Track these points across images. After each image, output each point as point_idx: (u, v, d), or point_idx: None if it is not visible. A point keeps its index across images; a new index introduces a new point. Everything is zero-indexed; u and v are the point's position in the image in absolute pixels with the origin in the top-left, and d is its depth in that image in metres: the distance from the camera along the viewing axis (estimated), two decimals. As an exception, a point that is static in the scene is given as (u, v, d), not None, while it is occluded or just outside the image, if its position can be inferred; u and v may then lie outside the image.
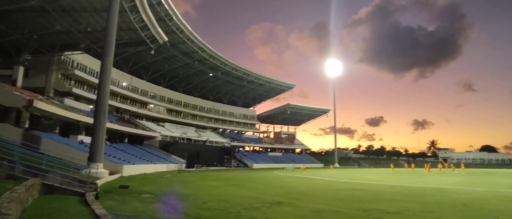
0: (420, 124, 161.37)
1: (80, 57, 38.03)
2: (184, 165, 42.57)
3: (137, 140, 45.21)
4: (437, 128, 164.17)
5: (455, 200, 11.24)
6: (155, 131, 49.78)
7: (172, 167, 39.34)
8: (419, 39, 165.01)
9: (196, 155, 45.99)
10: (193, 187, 17.15)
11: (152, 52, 36.30)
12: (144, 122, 52.07)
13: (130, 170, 27.40)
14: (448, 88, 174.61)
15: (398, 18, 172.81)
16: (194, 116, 66.44)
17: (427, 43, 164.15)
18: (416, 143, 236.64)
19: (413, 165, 54.86)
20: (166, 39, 34.81)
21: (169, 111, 60.51)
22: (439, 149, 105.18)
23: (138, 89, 52.06)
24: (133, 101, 51.02)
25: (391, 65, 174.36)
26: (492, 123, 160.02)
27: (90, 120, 25.43)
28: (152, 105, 55.96)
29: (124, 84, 48.65)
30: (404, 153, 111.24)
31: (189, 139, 57.55)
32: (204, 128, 68.45)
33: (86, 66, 39.59)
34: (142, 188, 15.28)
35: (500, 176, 30.42)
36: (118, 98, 47.19)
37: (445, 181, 21.84)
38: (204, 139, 61.33)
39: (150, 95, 55.45)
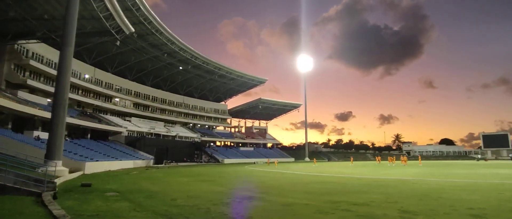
0: (386, 119, 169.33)
1: (37, 47, 35.41)
2: (152, 161, 41.32)
3: (101, 135, 43.12)
4: (401, 123, 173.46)
5: (416, 191, 11.84)
6: (120, 126, 47.77)
7: (139, 163, 38.05)
8: (385, 38, 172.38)
9: (165, 150, 44.78)
10: (161, 183, 16.63)
11: (118, 43, 34.63)
12: (108, 117, 49.75)
13: (93, 167, 26.11)
14: (411, 85, 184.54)
15: (365, 17, 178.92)
16: (163, 111, 64.60)
17: (392, 42, 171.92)
18: (382, 137, 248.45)
19: (379, 158, 57.32)
20: (133, 30, 33.35)
21: (136, 105, 58.33)
22: (403, 142, 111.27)
23: (102, 81, 49.55)
24: (97, 95, 48.50)
25: (359, 62, 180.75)
26: (450, 118, 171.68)
27: (48, 115, 23.73)
28: (117, 99, 53.59)
29: (87, 76, 46.06)
30: (371, 146, 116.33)
31: (157, 134, 55.96)
32: (174, 122, 66.87)
33: (43, 57, 36.95)
34: (106, 186, 14.57)
35: (456, 167, 32.70)
36: (80, 91, 44.63)
37: (407, 173, 23.04)
38: (174, 134, 59.95)
39: (116, 88, 53.03)
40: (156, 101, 63.12)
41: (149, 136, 53.30)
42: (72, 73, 41.65)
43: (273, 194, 11.61)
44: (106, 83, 50.43)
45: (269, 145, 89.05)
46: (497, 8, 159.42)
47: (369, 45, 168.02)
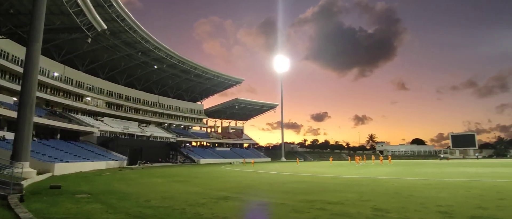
0: (360, 119, 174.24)
1: (2, 43, 33.36)
2: (125, 162, 40.10)
3: (71, 136, 41.31)
4: (375, 123, 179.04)
5: (388, 189, 12.30)
6: (92, 126, 46.01)
7: (112, 164, 36.81)
8: (360, 40, 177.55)
9: (139, 151, 43.60)
10: (135, 184, 16.19)
11: (89, 40, 33.29)
12: (79, 117, 47.78)
13: (63, 168, 24.98)
14: (384, 86, 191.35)
15: (341, 19, 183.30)
16: (137, 110, 62.88)
17: (366, 44, 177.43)
18: (356, 137, 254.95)
19: (357, 157, 58.70)
20: (105, 27, 32.22)
21: (109, 104, 56.39)
22: (377, 142, 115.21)
23: (72, 80, 47.50)
24: (67, 93, 46.43)
25: (334, 64, 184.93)
26: (421, 118, 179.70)
27: (14, 114, 22.42)
28: (89, 98, 51.56)
29: (56, 74, 43.96)
30: (346, 146, 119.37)
31: (131, 135, 54.38)
32: (148, 122, 65.29)
33: (8, 53, 34.88)
34: (76, 188, 13.98)
35: (426, 166, 34.28)
36: (49, 90, 42.53)
37: (380, 172, 23.86)
38: (148, 134, 58.52)
39: (87, 87, 51.00)
40: (130, 100, 61.35)
41: (123, 136, 51.68)
42: (40, 70, 39.58)
43: (249, 194, 11.64)
44: (76, 81, 48.37)
45: (245, 145, 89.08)
46: (465, 15, 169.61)
47: (344, 47, 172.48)
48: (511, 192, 10.68)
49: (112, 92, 56.97)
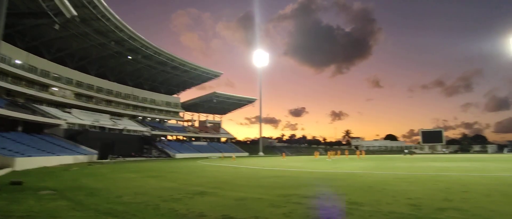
0: (337, 115, 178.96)
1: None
2: (96, 156, 38.53)
3: (35, 128, 39.03)
4: (351, 119, 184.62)
5: (362, 183, 12.62)
6: (59, 118, 43.79)
7: (81, 158, 35.27)
8: (337, 38, 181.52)
9: (111, 145, 42.01)
10: (105, 180, 15.53)
11: (57, 27, 31.45)
12: (45, 108, 45.26)
13: (25, 163, 23.53)
14: (360, 84, 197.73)
15: (319, 17, 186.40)
16: (109, 102, 60.57)
17: (344, 42, 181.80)
18: (333, 132, 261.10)
19: (332, 152, 59.89)
20: (75, 13, 30.55)
21: (78, 95, 53.88)
22: (352, 138, 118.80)
23: (37, 69, 44.78)
24: (31, 83, 43.74)
25: (312, 60, 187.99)
26: (394, 115, 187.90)
27: (-30, 104, 20.79)
28: (56, 88, 48.92)
29: (18, 62, 41.23)
30: (323, 141, 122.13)
31: (102, 128, 52.39)
32: (121, 115, 63.16)
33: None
34: (40, 184, 13.18)
35: (398, 160, 35.64)
36: (10, 79, 39.81)
37: (355, 167, 24.49)
38: (121, 127, 56.62)
39: (54, 76, 48.34)
40: (102, 92, 58.95)
41: (93, 129, 49.65)
42: (0, 57, 37.02)
43: (226, 189, 11.50)
44: (42, 70, 45.65)
45: (223, 139, 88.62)
46: (434, 20, 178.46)
47: (322, 44, 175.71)
48: (474, 185, 11.26)
49: (82, 82, 54.42)
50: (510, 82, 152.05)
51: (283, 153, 61.37)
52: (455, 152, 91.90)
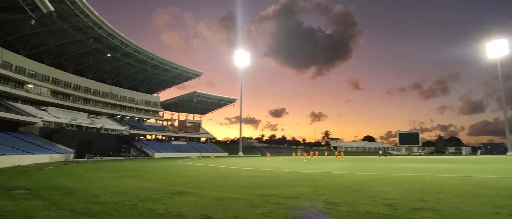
0: (316, 116, 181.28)
1: None
2: (72, 155, 37.32)
3: (9, 126, 37.41)
4: (331, 120, 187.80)
5: (340, 183, 12.82)
6: (34, 116, 42.14)
7: (57, 157, 34.09)
8: (318, 40, 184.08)
9: (88, 144, 40.80)
10: (82, 179, 15.10)
11: (33, 22, 30.26)
12: (19, 105, 43.46)
13: (-3, 162, 22.55)
14: (340, 85, 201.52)
15: (301, 19, 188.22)
16: (86, 101, 58.81)
17: (324, 44, 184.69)
18: (312, 133, 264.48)
19: (311, 153, 60.51)
20: (52, 9, 29.52)
21: (55, 93, 52.02)
22: (331, 138, 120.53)
23: (12, 65, 42.96)
24: (5, 79, 41.94)
25: (293, 61, 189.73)
26: (372, 117, 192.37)
27: None
28: (31, 86, 47.05)
29: (-9, 57, 39.39)
30: (302, 142, 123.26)
31: (79, 126, 50.80)
32: (99, 114, 61.49)
33: None
34: (13, 183, 12.69)
35: (375, 161, 36.45)
36: (-18, 75, 38.00)
37: (333, 167, 24.86)
38: (99, 126, 55.12)
39: (29, 73, 46.47)
40: (79, 89, 57.16)
41: (70, 127, 48.08)
42: (-30, 51, 35.25)
43: (205, 188, 11.45)
44: (16, 66, 43.81)
45: (203, 139, 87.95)
46: (412, 25, 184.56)
47: (303, 46, 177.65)
48: (448, 186, 11.67)
49: (58, 80, 52.55)
50: (484, 86, 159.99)
51: (268, 154, 61.03)
52: (431, 153, 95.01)
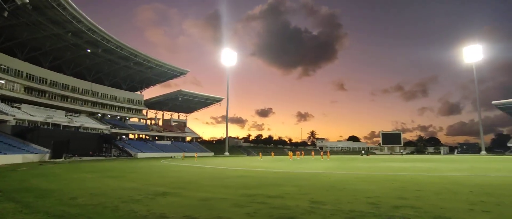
0: (302, 116, 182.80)
1: None
2: (48, 155, 35.92)
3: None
4: (316, 120, 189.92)
5: (325, 182, 12.97)
6: (6, 114, 40.29)
7: (31, 158, 32.74)
8: (305, 41, 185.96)
9: (66, 143, 39.40)
10: (59, 181, 14.50)
11: (6, 14, 28.83)
12: (-10, 102, 41.38)
13: (-34, 162, 21.32)
14: (325, 86, 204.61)
15: (288, 19, 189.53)
16: (64, 98, 56.81)
17: (311, 45, 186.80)
18: (299, 133, 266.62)
19: (297, 152, 60.83)
20: (27, 0, 28.18)
21: (29, 90, 49.93)
22: (317, 138, 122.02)
23: (-19, 59, 40.81)
24: (-27, 74, 39.78)
25: (280, 61, 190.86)
26: (357, 117, 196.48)
27: None
28: (2, 81, 44.94)
29: (-40, 51, 37.27)
30: (288, 142, 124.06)
31: (56, 125, 49.06)
32: (78, 112, 59.59)
33: None
34: (-18, 185, 11.97)
35: (359, 161, 37.16)
36: (-51, 69, 35.90)
37: (318, 167, 25.15)
38: (77, 124, 53.43)
39: (1, 68, 44.34)
40: (56, 86, 55.09)
41: (46, 126, 46.30)
42: None
43: (190, 189, 11.24)
44: (-13, 61, 41.70)
45: (188, 139, 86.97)
46: (395, 29, 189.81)
47: (290, 46, 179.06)
48: (427, 184, 12.05)
49: (33, 75, 50.44)
50: (461, 88, 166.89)
51: (260, 153, 59.86)
52: (412, 153, 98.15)
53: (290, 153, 52.92)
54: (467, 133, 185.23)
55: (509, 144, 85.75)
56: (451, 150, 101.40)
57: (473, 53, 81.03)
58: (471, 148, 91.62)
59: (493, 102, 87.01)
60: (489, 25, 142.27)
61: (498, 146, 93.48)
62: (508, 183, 12.56)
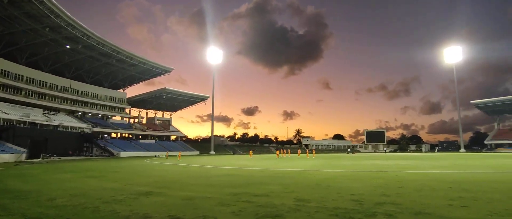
0: (288, 115, 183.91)
1: None
2: (24, 155, 34.62)
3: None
4: (302, 119, 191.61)
5: (310, 181, 13.06)
6: (-20, 112, 38.47)
7: (6, 158, 31.54)
8: (291, 40, 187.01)
9: (44, 143, 38.11)
10: (36, 181, 13.97)
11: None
12: (-38, 100, 39.44)
13: None
14: (311, 85, 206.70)
15: (274, 18, 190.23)
16: (41, 95, 54.84)
17: (297, 44, 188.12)
18: (285, 131, 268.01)
19: (283, 151, 60.92)
20: (2, -7, 26.98)
21: (3, 87, 47.97)
22: (303, 137, 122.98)
23: (-48, 54, 38.81)
24: None
25: (266, 60, 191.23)
26: (342, 116, 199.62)
27: None
28: (-24, 78, 42.93)
29: None
30: (274, 140, 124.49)
31: (33, 123, 47.38)
32: (57, 110, 57.70)
33: None
34: (-47, 187, 11.37)
35: (344, 159, 37.72)
36: None
37: (304, 165, 25.33)
38: (56, 123, 51.76)
39: (-26, 64, 42.34)
40: (33, 83, 53.11)
41: (22, 125, 44.57)
42: None
43: (174, 188, 11.06)
44: (-41, 56, 39.69)
45: (173, 137, 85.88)
46: (378, 29, 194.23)
47: (276, 45, 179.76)
48: (408, 181, 12.35)
49: (8, 72, 48.44)
50: (442, 88, 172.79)
51: (251, 152, 59.49)
52: (395, 151, 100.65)
53: (278, 152, 53.21)
54: (447, 131, 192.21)
55: (486, 142, 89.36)
56: (432, 147, 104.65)
57: (453, 54, 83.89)
58: (451, 146, 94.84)
59: (472, 101, 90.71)
60: (469, 27, 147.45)
61: (476, 144, 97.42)
62: (484, 179, 13.03)
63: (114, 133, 70.50)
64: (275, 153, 62.35)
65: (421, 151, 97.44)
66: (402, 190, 9.70)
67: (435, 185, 10.82)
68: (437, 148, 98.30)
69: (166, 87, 76.36)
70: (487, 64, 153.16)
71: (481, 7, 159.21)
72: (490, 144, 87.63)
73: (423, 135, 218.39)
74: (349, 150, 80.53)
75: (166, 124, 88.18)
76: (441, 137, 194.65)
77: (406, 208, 6.84)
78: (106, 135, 66.00)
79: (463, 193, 8.77)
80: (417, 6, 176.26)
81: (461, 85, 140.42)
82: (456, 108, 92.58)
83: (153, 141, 75.20)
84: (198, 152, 77.68)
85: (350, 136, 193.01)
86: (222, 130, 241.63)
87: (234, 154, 79.26)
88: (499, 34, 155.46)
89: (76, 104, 62.65)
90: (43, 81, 55.27)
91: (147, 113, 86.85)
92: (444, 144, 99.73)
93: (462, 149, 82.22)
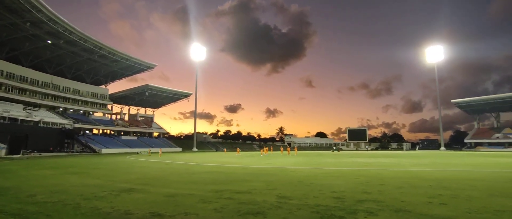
0: (271, 113, 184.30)
1: None
2: (4, 151, 33.52)
3: None
4: (285, 117, 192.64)
5: (293, 178, 13.22)
6: (-45, 107, 36.96)
7: (-16, 154, 30.33)
8: (274, 38, 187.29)
9: (24, 138, 36.99)
10: (15, 178, 13.62)
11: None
12: None
13: None
14: (294, 83, 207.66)
15: (258, 16, 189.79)
16: (22, 91, 53.16)
17: (280, 42, 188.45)
18: (267, 129, 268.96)
19: (266, 148, 61.18)
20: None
21: (-18, 81, 46.16)
22: (286, 134, 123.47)
23: None
24: None
25: (249, 58, 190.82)
26: (324, 114, 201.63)
27: None
28: (-49, 72, 41.18)
29: None
30: (257, 137, 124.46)
31: (13, 119, 45.86)
32: (38, 106, 56.03)
33: None
34: None
35: (327, 156, 38.23)
36: None
37: (287, 162, 25.54)
38: (37, 119, 50.26)
39: (-51, 57, 40.57)
40: (13, 78, 51.40)
41: (2, 120, 43.10)
42: None
43: (156, 185, 11.03)
44: None
45: (155, 134, 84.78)
46: (360, 29, 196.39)
47: (259, 43, 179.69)
48: (389, 179, 12.66)
49: (-14, 66, 46.69)
50: (423, 87, 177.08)
51: (238, 149, 58.95)
52: (377, 149, 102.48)
53: (266, 149, 53.02)
54: (428, 130, 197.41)
55: (466, 141, 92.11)
56: (413, 146, 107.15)
57: (435, 54, 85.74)
58: (432, 144, 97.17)
59: (452, 100, 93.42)
60: (450, 27, 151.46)
61: (456, 142, 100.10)
62: (463, 177, 13.39)
63: (96, 129, 69.04)
64: (258, 151, 62.47)
65: (402, 149, 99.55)
66: (383, 187, 9.90)
67: (416, 183, 11.09)
68: (417, 147, 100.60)
69: (149, 84, 75.25)
70: (467, 63, 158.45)
71: (462, 7, 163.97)
72: (470, 143, 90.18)
73: (404, 133, 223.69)
74: (334, 147, 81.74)
75: (149, 120, 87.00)
76: (422, 135, 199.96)
77: (386, 205, 7.00)
78: (87, 132, 64.55)
79: (442, 191, 9.01)
80: (399, 6, 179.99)
81: (442, 84, 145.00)
82: (437, 107, 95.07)
83: (135, 138, 74.08)
84: (180, 149, 77.02)
85: (333, 134, 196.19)
86: (205, 127, 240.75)
87: (216, 151, 78.99)
88: (479, 34, 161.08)
89: (58, 100, 60.98)
90: (23, 76, 53.51)
91: (129, 109, 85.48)
92: (425, 143, 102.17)
93: (443, 148, 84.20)
